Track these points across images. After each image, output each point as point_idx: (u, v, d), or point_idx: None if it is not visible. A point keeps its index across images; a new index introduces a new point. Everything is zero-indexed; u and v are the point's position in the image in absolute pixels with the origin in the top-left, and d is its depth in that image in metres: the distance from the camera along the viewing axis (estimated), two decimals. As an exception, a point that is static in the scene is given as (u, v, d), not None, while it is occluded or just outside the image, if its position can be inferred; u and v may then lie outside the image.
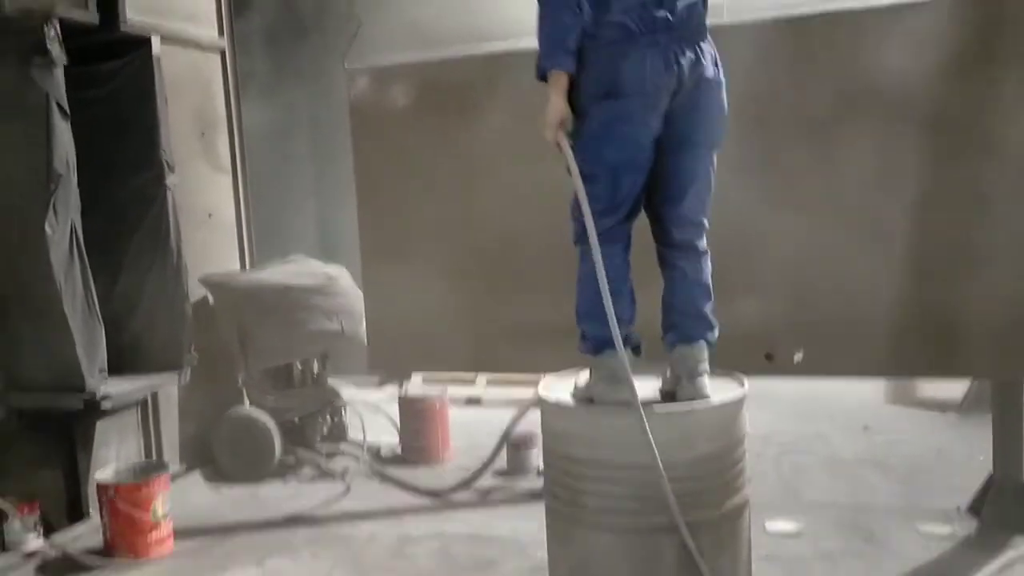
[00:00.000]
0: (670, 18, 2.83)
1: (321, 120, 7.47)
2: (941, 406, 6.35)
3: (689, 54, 2.85)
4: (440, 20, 7.17)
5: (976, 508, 4.35)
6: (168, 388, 5.46)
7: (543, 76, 2.89)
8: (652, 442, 2.74)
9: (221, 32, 6.10)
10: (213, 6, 6.05)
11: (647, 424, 2.75)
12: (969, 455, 5.10)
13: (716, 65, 2.93)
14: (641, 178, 2.95)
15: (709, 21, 2.96)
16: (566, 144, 2.89)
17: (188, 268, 5.33)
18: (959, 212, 3.65)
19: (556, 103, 2.85)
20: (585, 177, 2.89)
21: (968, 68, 3.60)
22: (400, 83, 4.55)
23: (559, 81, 2.84)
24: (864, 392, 6.51)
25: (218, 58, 6.09)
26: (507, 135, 4.27)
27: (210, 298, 5.84)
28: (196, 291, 5.64)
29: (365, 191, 4.67)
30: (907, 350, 3.79)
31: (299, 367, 6.02)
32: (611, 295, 2.90)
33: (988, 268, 3.64)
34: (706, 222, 3.06)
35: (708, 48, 2.92)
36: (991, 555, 3.92)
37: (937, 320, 3.73)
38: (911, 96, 3.67)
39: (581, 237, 2.99)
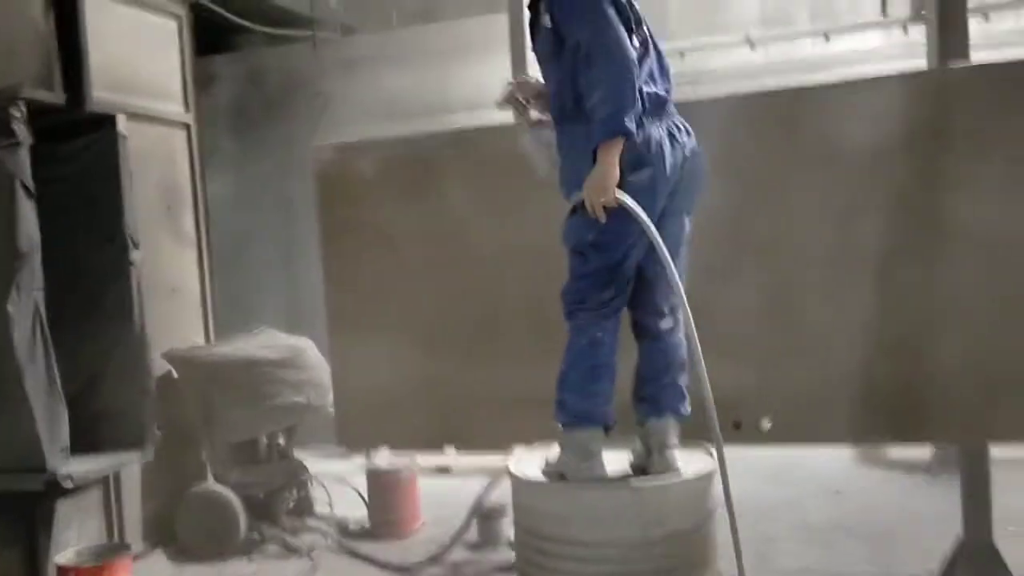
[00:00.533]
0: (667, 95, 2.96)
1: (287, 193, 7.51)
2: (910, 467, 6.38)
3: (684, 129, 2.99)
4: (406, 94, 7.32)
5: (948, 573, 4.35)
6: (131, 466, 5.35)
7: (604, 138, 2.79)
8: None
9: (187, 107, 6.13)
10: (179, 82, 6.09)
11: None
12: (939, 517, 5.11)
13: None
14: (643, 251, 2.97)
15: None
16: (629, 199, 2.81)
17: (152, 343, 5.27)
18: (920, 281, 3.72)
19: (614, 167, 2.78)
20: (595, 246, 2.91)
21: (922, 142, 3.70)
22: (367, 158, 4.57)
23: (618, 146, 2.79)
24: (834, 454, 6.53)
25: (184, 133, 6.12)
26: (476, 208, 4.30)
27: (174, 373, 5.77)
28: (160, 366, 5.57)
29: (332, 265, 4.66)
30: (874, 417, 3.81)
31: (265, 441, 5.93)
32: (600, 369, 2.96)
33: (950, 336, 3.69)
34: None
35: (685, 123, 3.04)
36: (965, 621, 3.92)
37: (902, 387, 3.77)
38: (871, 168, 3.76)
39: (578, 309, 3.00)
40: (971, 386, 3.67)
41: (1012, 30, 8.58)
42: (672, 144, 2.92)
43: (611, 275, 2.95)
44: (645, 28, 2.99)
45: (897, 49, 8.38)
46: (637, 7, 2.98)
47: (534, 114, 3.05)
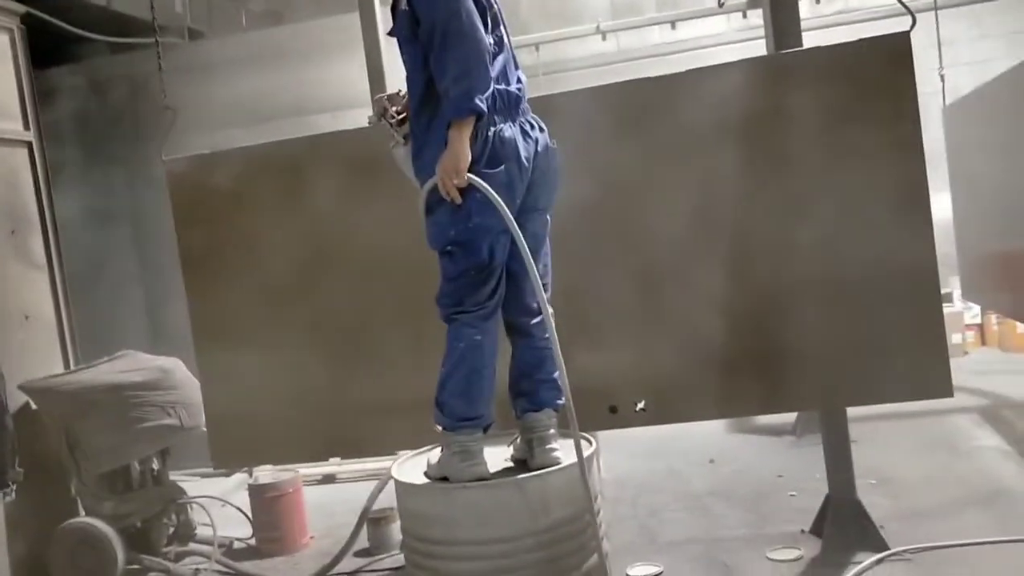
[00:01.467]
0: (519, 95, 3.01)
1: (141, 205, 7.22)
2: (777, 431, 6.71)
3: (536, 126, 3.05)
4: (261, 98, 7.13)
5: (818, 529, 4.61)
6: (-7, 507, 5.06)
7: (455, 116, 2.82)
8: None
9: (27, 125, 5.81)
10: (16, 98, 5.76)
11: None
12: (807, 477, 5.41)
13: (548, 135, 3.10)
14: (507, 247, 3.00)
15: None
16: (481, 181, 2.84)
17: (6, 376, 4.99)
18: (774, 256, 3.92)
19: (465, 148, 2.82)
20: (460, 244, 2.93)
21: (764, 126, 3.90)
22: (222, 169, 4.46)
23: (469, 125, 2.82)
24: (706, 425, 6.78)
25: (25, 151, 5.79)
26: (341, 213, 4.27)
27: (32, 405, 5.48)
28: (17, 398, 5.28)
29: (194, 280, 4.53)
30: (740, 390, 4.00)
31: (137, 467, 5.70)
32: (481, 371, 3.00)
33: (804, 308, 3.91)
34: (549, 284, 3.18)
35: (538, 120, 3.10)
36: (837, 574, 4.16)
37: (763, 360, 3.96)
38: (722, 149, 3.92)
39: (455, 312, 3.02)
40: (824, 355, 3.90)
41: (840, 10, 9.12)
42: (525, 140, 2.98)
43: (481, 273, 2.97)
44: (503, 29, 3.05)
45: (738, 33, 8.77)
46: (497, 7, 3.03)
47: (406, 127, 3.05)
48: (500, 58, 2.99)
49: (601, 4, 9.50)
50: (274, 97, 6.95)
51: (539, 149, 3.01)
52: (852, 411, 4.53)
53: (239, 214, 4.41)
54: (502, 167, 2.90)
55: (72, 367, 5.89)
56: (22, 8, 5.99)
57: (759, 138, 3.91)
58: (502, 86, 2.95)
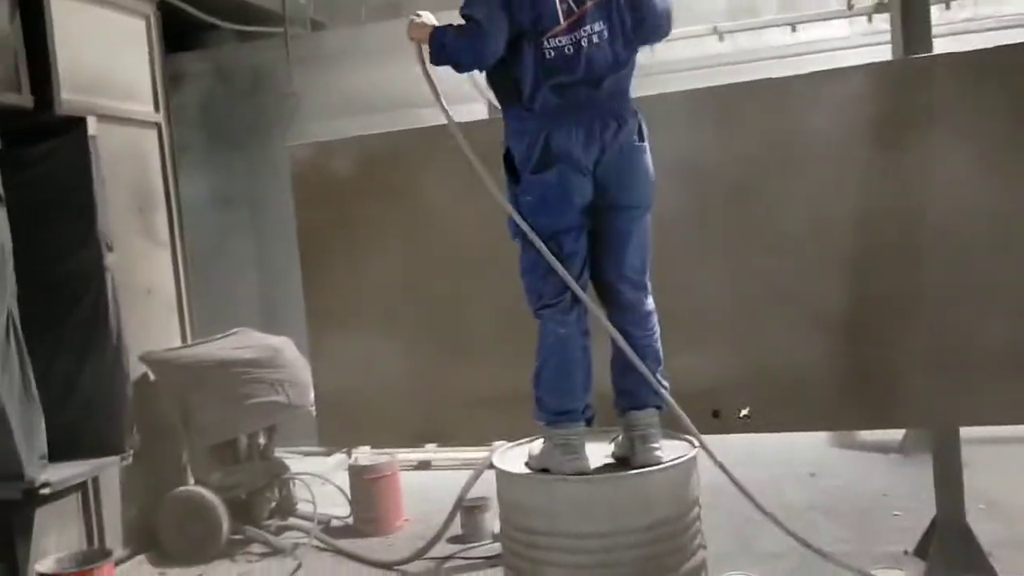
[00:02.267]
0: (594, 94, 2.99)
1: (261, 189, 7.47)
2: (883, 447, 6.50)
3: (612, 125, 2.99)
4: (375, 89, 7.29)
5: (922, 552, 4.46)
6: (110, 470, 5.32)
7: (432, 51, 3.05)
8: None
9: (157, 107, 6.09)
10: (148, 82, 6.05)
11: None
12: (913, 496, 5.23)
13: (639, 133, 3.06)
14: (579, 243, 3.02)
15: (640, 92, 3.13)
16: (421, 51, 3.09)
17: (128, 347, 5.24)
18: (892, 266, 3.80)
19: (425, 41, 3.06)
20: (530, 245, 2.99)
21: (890, 133, 3.77)
22: (343, 157, 4.58)
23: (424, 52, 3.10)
24: (809, 437, 6.63)
25: (155, 133, 6.08)
26: (452, 205, 4.32)
27: (151, 375, 5.74)
28: (136, 369, 5.54)
29: (310, 262, 4.66)
30: (848, 403, 3.89)
31: (245, 441, 5.92)
32: (570, 365, 3.00)
33: (917, 322, 3.78)
34: (646, 283, 3.14)
35: (631, 118, 3.05)
36: (940, 598, 4.02)
37: (874, 373, 3.85)
38: (838, 158, 3.82)
39: (540, 307, 3.06)
40: (937, 370, 3.76)
41: (969, 17, 8.74)
42: (588, 141, 2.95)
43: (546, 269, 3.00)
44: (592, 26, 2.97)
45: (862, 37, 8.49)
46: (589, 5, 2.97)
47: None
48: (578, 54, 2.95)
49: (718, 5, 9.34)
50: (390, 88, 7.08)
51: (609, 149, 2.98)
52: (964, 432, 4.36)
53: (356, 201, 4.51)
54: (553, 168, 2.95)
55: (189, 341, 6.15)
56: (159, -5, 6.28)
57: (883, 145, 3.79)
58: (577, 89, 2.95)
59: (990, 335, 3.68)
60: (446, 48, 3.00)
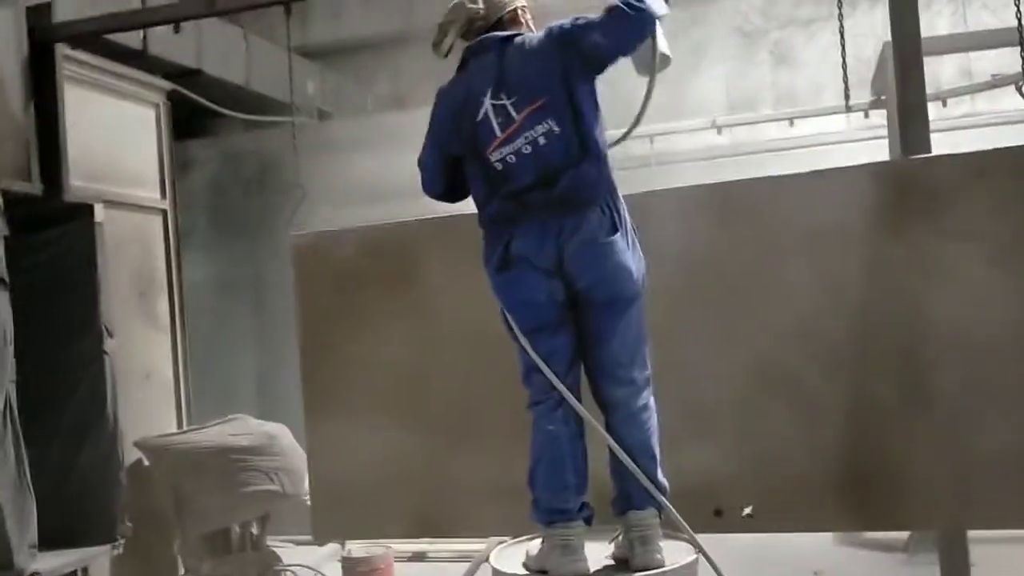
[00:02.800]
0: (549, 194, 2.95)
1: (263, 276, 7.52)
2: (887, 546, 6.38)
3: (569, 223, 2.94)
4: (381, 179, 7.39)
5: (931, 656, 4.33)
6: (101, 560, 5.22)
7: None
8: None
9: (163, 194, 6.18)
10: (156, 168, 6.15)
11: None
12: (919, 598, 5.11)
13: (609, 227, 2.97)
14: (556, 341, 3.00)
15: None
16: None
17: (124, 432, 5.20)
18: (895, 365, 3.78)
19: None
20: (516, 342, 3.02)
21: (888, 232, 3.81)
22: (346, 245, 4.61)
23: None
24: (814, 535, 6.50)
25: (160, 219, 6.15)
26: (456, 295, 4.33)
27: (145, 461, 5.68)
28: (131, 454, 5.49)
29: (309, 350, 4.65)
30: (852, 503, 3.83)
31: (237, 530, 5.83)
32: (561, 462, 2.96)
33: (923, 422, 3.74)
34: (636, 379, 3.05)
35: (593, 213, 2.96)
36: None
37: (879, 474, 3.80)
38: (835, 258, 3.84)
39: (529, 404, 3.05)
40: (944, 472, 3.71)
41: (966, 113, 8.92)
42: (542, 244, 2.93)
43: (531, 365, 2.99)
44: (526, 134, 2.94)
45: (858, 132, 8.66)
46: (526, 112, 2.95)
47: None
48: (524, 160, 2.95)
49: (717, 98, 9.55)
50: (394, 178, 7.18)
51: (568, 247, 2.93)
52: (972, 532, 4.28)
53: (357, 290, 4.53)
54: (514, 270, 2.99)
55: (185, 427, 6.11)
56: (169, 85, 6.43)
57: (883, 244, 3.82)
58: (531, 193, 2.94)
59: (997, 437, 3.64)
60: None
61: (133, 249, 5.84)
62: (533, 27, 3.19)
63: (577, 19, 3.01)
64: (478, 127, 3.00)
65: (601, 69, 3.03)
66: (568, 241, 2.94)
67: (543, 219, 2.95)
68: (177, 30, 5.46)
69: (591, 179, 2.98)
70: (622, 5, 2.90)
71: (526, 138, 2.95)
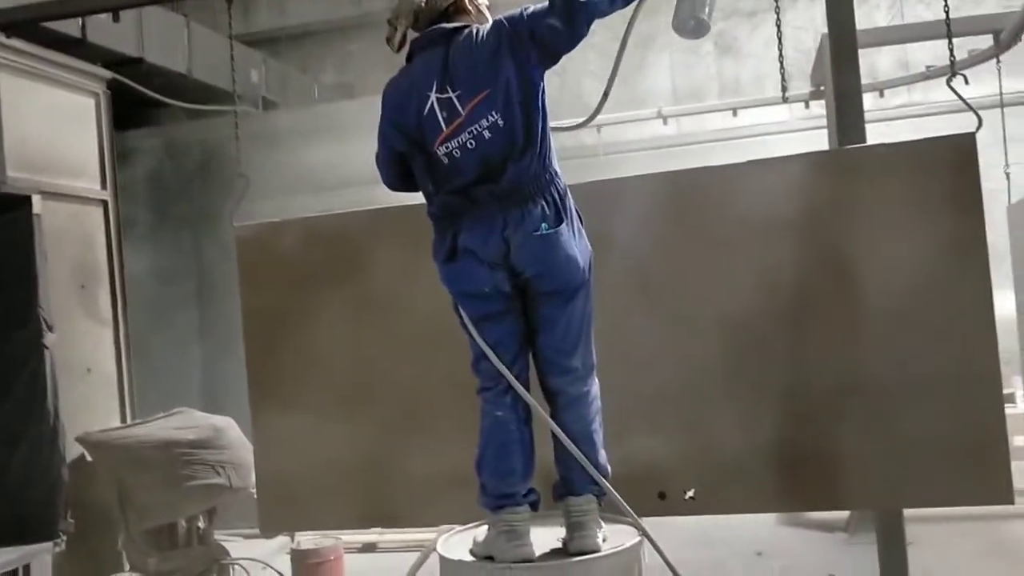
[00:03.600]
0: (494, 189, 2.94)
1: (206, 267, 7.42)
2: (828, 526, 6.53)
3: (515, 215, 2.93)
4: (326, 168, 7.35)
5: (868, 633, 4.46)
6: (42, 557, 5.12)
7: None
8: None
9: (104, 184, 6.06)
10: (96, 159, 6.03)
11: None
12: (858, 575, 5.24)
13: (554, 218, 2.96)
14: (503, 328, 3.02)
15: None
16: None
17: (65, 428, 5.11)
18: (832, 353, 3.87)
19: None
20: (465, 329, 3.03)
21: (824, 220, 3.90)
22: (288, 236, 4.58)
23: None
24: (757, 516, 6.63)
25: (100, 210, 6.04)
26: (401, 285, 4.33)
27: (88, 456, 5.59)
28: (73, 450, 5.40)
29: (254, 341, 4.61)
30: (793, 485, 3.92)
31: (183, 525, 5.76)
32: (508, 447, 2.99)
33: (858, 406, 3.84)
34: (580, 367, 3.07)
35: (536, 205, 2.96)
36: None
37: (817, 456, 3.89)
38: (782, 242, 3.92)
39: (479, 390, 3.07)
40: (881, 453, 3.81)
41: (903, 104, 9.13)
42: (488, 238, 2.94)
43: (478, 354, 3.03)
44: (473, 130, 2.93)
45: (800, 122, 8.82)
46: (473, 106, 2.92)
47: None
48: (469, 154, 2.93)
49: (663, 88, 9.66)
50: (342, 168, 7.15)
51: (514, 240, 2.93)
52: (910, 511, 4.41)
53: (302, 281, 4.49)
54: (460, 261, 2.99)
55: (129, 421, 6.02)
56: (109, 74, 6.31)
57: (819, 233, 3.90)
58: (474, 189, 2.94)
59: (930, 419, 3.75)
60: None
61: (73, 241, 5.73)
62: (487, 13, 3.18)
63: (525, 8, 3.01)
64: (424, 121, 2.99)
65: (556, 59, 2.99)
66: (514, 233, 2.94)
67: (489, 212, 2.96)
68: (116, 18, 5.34)
69: (535, 172, 2.97)
70: None
71: (471, 132, 2.94)
